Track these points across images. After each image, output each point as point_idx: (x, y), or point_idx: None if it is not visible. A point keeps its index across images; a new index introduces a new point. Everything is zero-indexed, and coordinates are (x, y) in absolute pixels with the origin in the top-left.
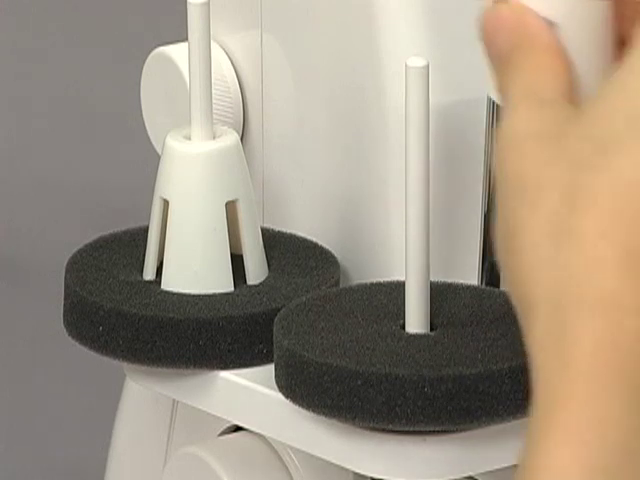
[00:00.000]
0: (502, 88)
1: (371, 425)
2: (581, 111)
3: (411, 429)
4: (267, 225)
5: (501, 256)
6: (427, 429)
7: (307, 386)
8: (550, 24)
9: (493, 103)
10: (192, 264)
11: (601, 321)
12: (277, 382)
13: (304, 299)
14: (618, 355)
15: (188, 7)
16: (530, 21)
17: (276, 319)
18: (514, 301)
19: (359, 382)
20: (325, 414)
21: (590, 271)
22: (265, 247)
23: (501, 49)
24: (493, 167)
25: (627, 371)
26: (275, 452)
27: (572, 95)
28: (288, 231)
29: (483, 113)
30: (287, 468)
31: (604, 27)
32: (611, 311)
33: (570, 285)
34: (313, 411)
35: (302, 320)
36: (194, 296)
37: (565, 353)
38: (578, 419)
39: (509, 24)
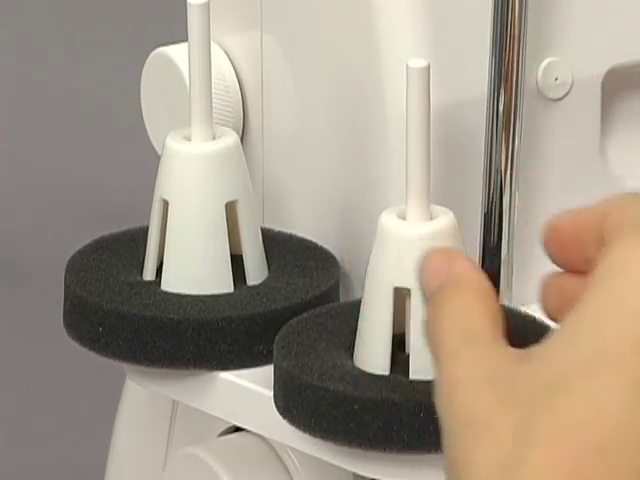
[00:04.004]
0: (433, 329)
1: (367, 450)
2: (530, 351)
3: (407, 455)
4: (267, 225)
5: None
6: (423, 454)
7: (304, 409)
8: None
9: (493, 102)
10: (192, 265)
11: None
12: (275, 402)
13: (306, 315)
14: None
15: (188, 8)
16: (457, 261)
17: (277, 338)
18: None
19: (356, 407)
20: (321, 437)
21: None
22: (265, 247)
23: (429, 288)
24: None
25: None
26: (275, 452)
27: (504, 334)
28: (288, 231)
29: (483, 113)
30: (287, 468)
31: None
32: None
33: None
34: (310, 433)
35: (302, 340)
36: (194, 297)
37: None
38: None
39: (436, 264)
